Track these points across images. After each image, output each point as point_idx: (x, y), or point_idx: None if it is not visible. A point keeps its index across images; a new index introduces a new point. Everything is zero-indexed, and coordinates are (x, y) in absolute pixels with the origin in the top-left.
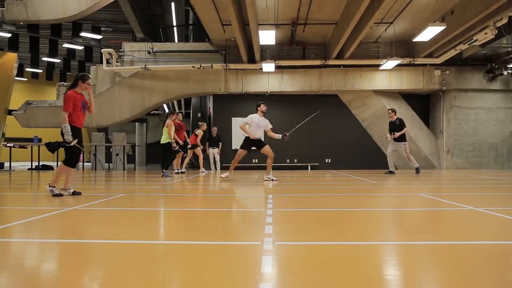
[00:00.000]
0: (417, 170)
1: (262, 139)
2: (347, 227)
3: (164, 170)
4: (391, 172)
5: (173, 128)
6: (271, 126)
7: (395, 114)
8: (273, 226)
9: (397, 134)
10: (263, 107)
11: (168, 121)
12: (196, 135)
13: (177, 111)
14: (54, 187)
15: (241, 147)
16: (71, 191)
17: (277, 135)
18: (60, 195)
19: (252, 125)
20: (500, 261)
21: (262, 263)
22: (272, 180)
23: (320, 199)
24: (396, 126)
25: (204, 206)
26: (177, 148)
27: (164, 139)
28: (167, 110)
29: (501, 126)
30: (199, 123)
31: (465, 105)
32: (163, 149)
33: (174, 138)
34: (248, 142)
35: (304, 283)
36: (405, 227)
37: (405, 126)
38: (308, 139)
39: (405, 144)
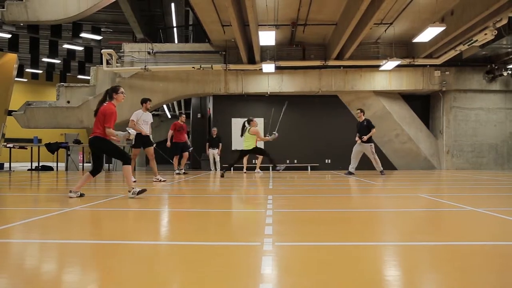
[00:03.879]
0: (382, 173)
1: (151, 135)
2: (347, 228)
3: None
4: (351, 173)
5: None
6: (152, 121)
7: (363, 115)
8: (273, 227)
9: (365, 138)
10: (148, 104)
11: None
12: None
13: (177, 112)
14: (133, 188)
15: (134, 145)
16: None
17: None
18: (144, 190)
19: (139, 121)
20: (500, 262)
21: (262, 264)
22: (161, 181)
23: (320, 199)
24: (363, 127)
25: (204, 206)
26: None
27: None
28: (167, 111)
29: (501, 126)
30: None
31: (465, 105)
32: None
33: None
34: (140, 139)
35: (304, 283)
36: (405, 228)
37: (373, 127)
38: (308, 139)
39: (371, 145)
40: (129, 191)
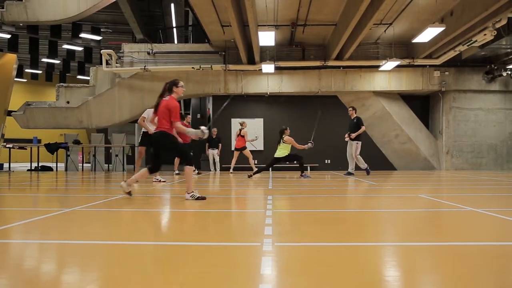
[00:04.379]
0: (367, 171)
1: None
2: (347, 228)
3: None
4: (350, 174)
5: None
6: None
7: (355, 113)
8: (272, 227)
9: (353, 135)
10: None
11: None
12: (242, 136)
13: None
14: (192, 192)
15: (140, 143)
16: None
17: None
18: (203, 197)
19: (149, 119)
20: (500, 262)
21: (261, 264)
22: (160, 181)
23: (320, 200)
24: (353, 125)
25: (204, 207)
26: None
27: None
28: None
29: (500, 127)
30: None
31: (464, 106)
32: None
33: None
34: (147, 138)
35: (304, 284)
36: (405, 228)
37: (363, 125)
38: (307, 139)
39: (357, 143)
40: (188, 193)
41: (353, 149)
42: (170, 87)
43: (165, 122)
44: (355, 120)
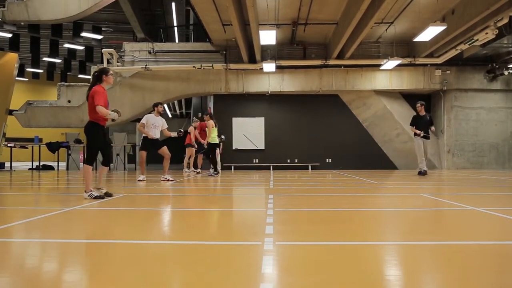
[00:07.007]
0: (420, 173)
1: (159, 138)
2: (348, 227)
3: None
4: (422, 173)
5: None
6: (167, 126)
7: (424, 109)
8: (273, 226)
9: (433, 128)
10: (160, 108)
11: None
12: (189, 133)
13: (178, 111)
14: (91, 191)
15: (141, 148)
16: (103, 191)
17: (172, 133)
18: (102, 197)
19: (148, 125)
20: (501, 261)
21: (262, 263)
22: (168, 180)
23: (321, 199)
24: (425, 121)
25: (205, 206)
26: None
27: None
28: (168, 110)
29: (502, 126)
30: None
31: (466, 105)
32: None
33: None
34: (147, 142)
35: (304, 283)
36: (406, 227)
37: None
38: (308, 139)
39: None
40: (86, 192)
41: (428, 147)
42: (99, 75)
43: (91, 112)
44: (428, 117)
